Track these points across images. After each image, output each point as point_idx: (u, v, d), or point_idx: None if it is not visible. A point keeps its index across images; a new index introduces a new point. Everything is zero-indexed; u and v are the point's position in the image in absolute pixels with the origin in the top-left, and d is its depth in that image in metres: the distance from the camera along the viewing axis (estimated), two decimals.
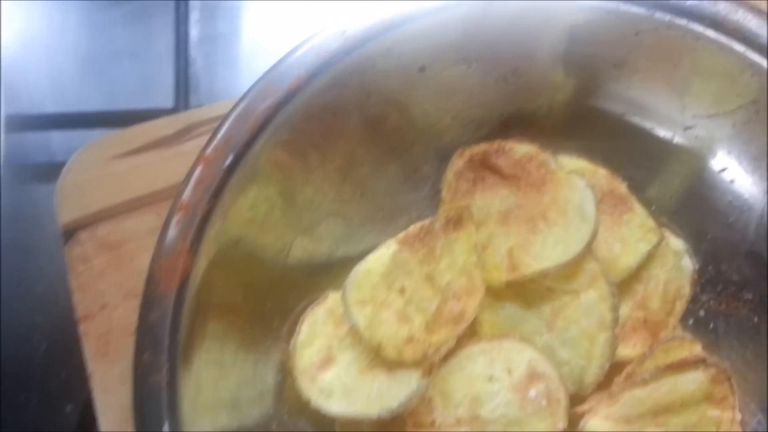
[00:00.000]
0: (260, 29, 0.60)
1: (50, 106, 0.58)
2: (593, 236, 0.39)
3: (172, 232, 0.36)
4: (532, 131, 0.44)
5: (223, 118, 0.37)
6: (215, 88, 0.59)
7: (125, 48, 0.60)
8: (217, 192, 0.36)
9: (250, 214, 0.39)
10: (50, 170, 0.60)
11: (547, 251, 0.40)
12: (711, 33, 0.36)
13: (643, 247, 0.40)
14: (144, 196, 0.47)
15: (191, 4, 0.55)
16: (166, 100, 0.56)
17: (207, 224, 0.36)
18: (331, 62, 0.37)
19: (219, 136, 0.36)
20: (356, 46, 0.37)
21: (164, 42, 0.60)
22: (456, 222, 0.42)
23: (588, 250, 0.40)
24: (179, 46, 0.53)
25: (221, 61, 0.60)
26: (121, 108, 0.57)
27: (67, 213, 0.47)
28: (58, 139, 0.57)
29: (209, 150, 0.36)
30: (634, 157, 0.43)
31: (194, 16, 0.56)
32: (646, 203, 0.43)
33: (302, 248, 0.43)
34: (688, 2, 0.36)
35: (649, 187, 0.43)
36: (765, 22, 0.35)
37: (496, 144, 0.43)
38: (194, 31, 0.56)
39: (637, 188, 0.43)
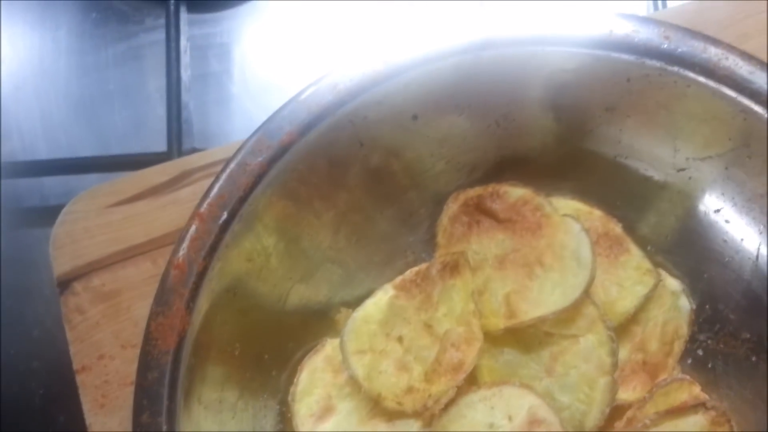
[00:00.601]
0: (251, 67, 0.60)
1: (43, 151, 0.57)
2: (590, 282, 0.39)
3: (168, 290, 0.36)
4: (526, 173, 0.44)
5: (217, 175, 0.37)
6: (208, 128, 0.59)
7: (117, 90, 0.60)
8: (212, 249, 0.36)
9: (247, 266, 0.39)
10: (44, 214, 0.60)
11: (545, 297, 0.40)
12: (702, 79, 0.36)
13: (641, 291, 0.40)
14: (139, 245, 0.47)
15: (182, 44, 0.55)
16: (159, 143, 0.56)
17: (203, 281, 0.36)
18: (323, 116, 0.37)
19: (213, 192, 0.36)
20: (348, 99, 0.37)
21: (156, 83, 0.60)
22: (453, 268, 0.42)
23: (586, 295, 0.40)
24: (171, 88, 0.53)
25: (213, 100, 0.60)
26: (113, 152, 0.57)
27: (61, 264, 0.47)
28: (51, 184, 0.57)
29: (203, 207, 0.36)
30: (629, 198, 0.43)
31: (185, 56, 0.56)
32: (642, 243, 0.43)
33: (299, 296, 0.42)
34: (679, 50, 0.36)
35: (645, 227, 0.43)
36: (756, 67, 0.35)
37: (490, 188, 0.43)
38: (185, 71, 0.56)
39: (632, 228, 0.43)
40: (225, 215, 0.36)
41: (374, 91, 0.37)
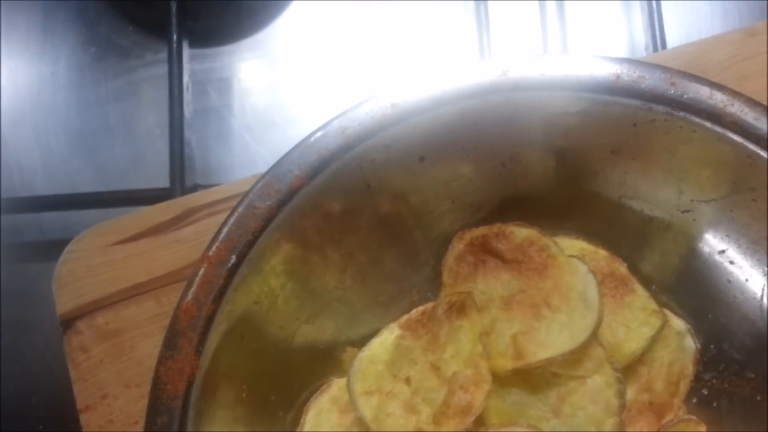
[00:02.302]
0: (252, 102, 0.61)
1: (43, 187, 0.57)
2: (598, 324, 0.39)
3: (177, 334, 0.35)
4: (532, 212, 0.44)
5: (226, 218, 0.37)
6: (209, 163, 0.59)
7: (117, 125, 0.60)
8: (221, 292, 0.36)
9: (254, 308, 0.39)
10: (44, 250, 0.59)
11: (552, 339, 0.40)
12: (708, 125, 0.37)
13: (647, 332, 0.40)
14: (142, 283, 0.47)
15: (185, 81, 0.55)
16: (160, 178, 0.55)
17: (212, 324, 0.36)
18: (332, 160, 0.37)
19: (221, 236, 0.36)
20: (356, 143, 0.37)
21: (156, 118, 0.60)
22: (459, 308, 0.42)
23: (593, 336, 0.40)
24: (174, 125, 0.53)
25: (214, 135, 0.60)
26: (113, 188, 0.57)
27: (64, 303, 0.46)
28: (51, 219, 0.56)
29: (212, 250, 0.36)
30: (633, 238, 0.43)
31: (187, 93, 0.56)
32: (647, 282, 0.44)
33: (305, 336, 0.42)
34: (685, 96, 0.36)
35: (649, 266, 0.43)
36: (761, 114, 0.36)
37: (496, 228, 0.43)
38: (187, 107, 0.56)
39: (637, 268, 0.44)
40: (234, 259, 0.36)
41: (382, 135, 0.38)
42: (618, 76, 0.37)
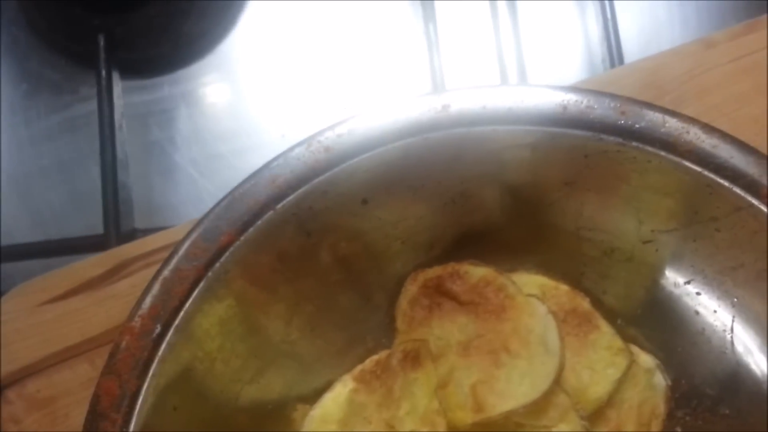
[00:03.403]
0: (195, 134, 0.57)
1: None
2: (560, 371, 0.37)
3: (98, 416, 0.32)
4: (488, 248, 0.41)
5: (148, 284, 0.33)
6: (151, 200, 0.55)
7: (52, 165, 0.56)
8: (146, 366, 0.33)
9: (188, 377, 0.35)
10: None
11: (513, 388, 0.37)
12: (663, 153, 0.34)
13: (613, 374, 0.38)
14: (75, 345, 0.43)
15: (117, 118, 0.52)
16: (98, 222, 0.52)
17: (137, 402, 0.33)
18: (263, 212, 0.34)
19: (144, 304, 0.33)
20: (289, 192, 0.34)
21: (93, 155, 0.56)
22: (414, 358, 0.39)
23: (556, 383, 0.37)
24: (105, 168, 0.50)
25: (156, 170, 0.56)
26: (49, 232, 0.53)
27: None
28: None
29: (134, 320, 0.33)
30: (595, 270, 0.41)
31: (120, 132, 0.53)
32: (612, 316, 0.41)
33: (250, 397, 0.39)
34: (637, 125, 0.34)
35: (613, 299, 0.41)
36: (719, 140, 0.34)
37: (450, 267, 0.41)
38: (122, 147, 0.53)
39: (601, 301, 0.41)
40: (158, 328, 0.33)
41: (318, 181, 0.35)
42: (565, 107, 0.34)
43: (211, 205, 0.57)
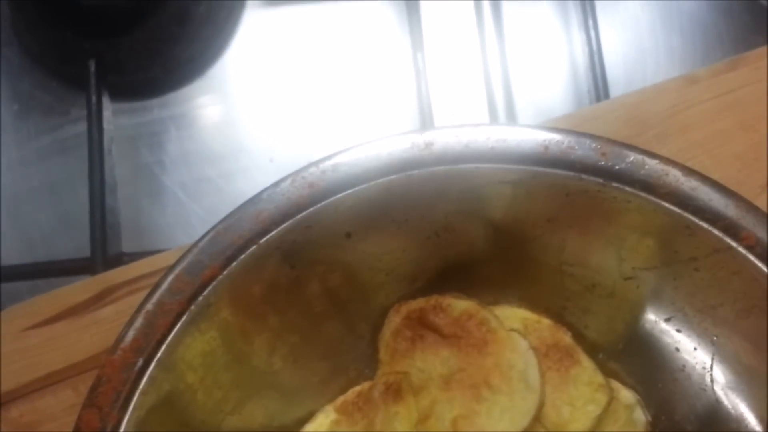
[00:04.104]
0: (185, 158, 0.57)
1: None
2: (540, 407, 0.37)
3: None
4: (471, 281, 0.41)
5: (132, 317, 0.33)
6: (139, 224, 0.56)
7: (42, 187, 0.57)
8: (127, 399, 0.33)
9: (168, 407, 0.35)
10: None
11: (493, 423, 0.37)
12: (643, 194, 0.34)
13: (593, 411, 0.38)
14: (59, 371, 0.43)
15: (106, 143, 0.52)
16: (84, 244, 0.52)
17: None
18: (246, 247, 0.34)
19: (127, 338, 0.33)
20: (273, 227, 0.35)
21: (82, 177, 0.56)
22: (395, 392, 0.39)
23: (536, 419, 0.37)
24: (93, 193, 0.50)
25: (144, 193, 0.57)
26: (38, 254, 0.54)
27: None
28: None
29: (116, 353, 0.33)
30: (577, 305, 0.41)
31: (109, 156, 0.53)
32: (593, 350, 0.41)
33: (232, 428, 0.39)
34: (617, 166, 0.34)
35: (595, 333, 0.41)
36: (698, 182, 0.34)
37: (433, 300, 0.41)
38: (110, 171, 0.53)
39: (583, 335, 0.41)
40: (140, 361, 0.33)
41: (301, 216, 0.35)
42: (546, 147, 0.34)
43: (199, 228, 0.58)
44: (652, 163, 0.34)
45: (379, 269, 0.40)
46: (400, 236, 0.39)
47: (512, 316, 0.41)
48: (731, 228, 0.34)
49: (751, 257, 0.34)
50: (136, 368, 0.33)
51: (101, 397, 0.33)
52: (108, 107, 0.56)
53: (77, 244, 0.55)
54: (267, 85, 0.59)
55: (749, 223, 0.34)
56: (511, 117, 0.55)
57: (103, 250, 0.49)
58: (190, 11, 0.59)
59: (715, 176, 0.36)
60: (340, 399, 0.41)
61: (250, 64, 0.60)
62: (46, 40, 0.59)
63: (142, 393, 0.33)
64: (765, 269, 0.34)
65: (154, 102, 0.59)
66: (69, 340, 0.44)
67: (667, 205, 0.34)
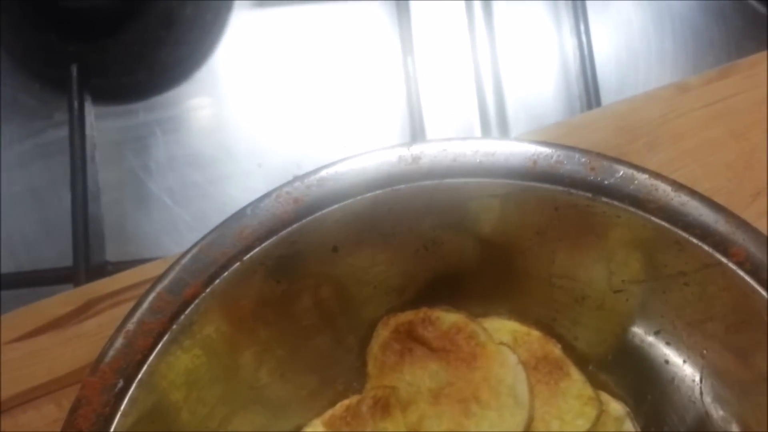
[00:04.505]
0: (170, 162, 0.57)
1: None
2: (529, 422, 0.36)
3: None
4: (460, 293, 0.41)
5: (111, 337, 0.33)
6: (124, 230, 0.55)
7: (24, 192, 0.56)
8: (107, 421, 0.32)
9: (151, 428, 0.35)
10: None
11: None
12: (632, 209, 0.34)
13: (582, 425, 0.38)
14: (41, 385, 0.43)
15: (88, 149, 0.51)
16: (68, 252, 0.51)
17: None
18: (229, 264, 0.34)
19: (106, 358, 0.32)
20: (256, 243, 0.34)
21: (65, 183, 0.55)
22: (384, 407, 0.39)
23: None
24: (76, 202, 0.49)
25: (129, 198, 0.56)
26: (20, 261, 0.53)
27: None
28: None
29: (96, 374, 0.32)
30: (567, 317, 0.41)
31: (92, 163, 0.52)
32: (583, 361, 0.41)
33: None
34: (606, 181, 0.34)
35: (584, 345, 0.41)
36: (688, 197, 0.33)
37: (422, 313, 0.40)
38: (93, 178, 0.52)
39: (572, 347, 0.41)
40: (121, 382, 0.32)
41: (286, 232, 0.34)
42: (535, 162, 0.34)
43: (186, 235, 0.58)
44: (642, 178, 0.34)
45: (367, 282, 0.40)
46: (388, 250, 0.38)
47: (502, 328, 0.41)
48: (721, 244, 0.34)
49: (741, 273, 0.34)
50: (117, 389, 0.32)
51: (81, 420, 0.32)
52: (91, 111, 0.55)
53: (60, 252, 0.54)
54: (255, 88, 0.58)
55: (739, 238, 0.33)
56: (503, 123, 0.54)
57: (86, 258, 0.48)
58: (176, 13, 0.58)
59: (706, 185, 0.35)
60: (328, 413, 0.41)
61: (238, 67, 0.59)
62: (30, 42, 0.58)
63: (123, 414, 0.33)
64: (755, 285, 0.33)
65: (140, 106, 0.58)
66: (51, 353, 0.43)
67: (656, 220, 0.34)
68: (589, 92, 0.51)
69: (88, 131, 0.52)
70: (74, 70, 0.52)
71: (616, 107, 0.46)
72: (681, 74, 0.52)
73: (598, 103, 0.50)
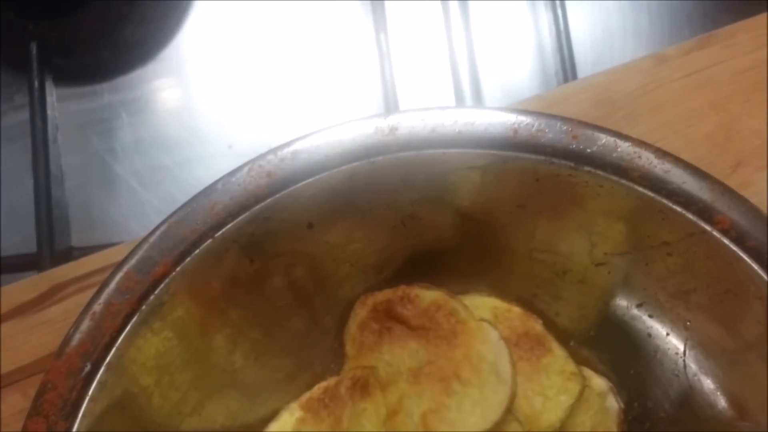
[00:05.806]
0: (137, 145, 0.55)
1: None
2: (512, 400, 0.36)
3: None
4: (439, 269, 0.40)
5: (77, 318, 0.31)
6: (90, 215, 0.53)
7: None
8: (75, 406, 0.31)
9: (121, 413, 0.33)
10: None
11: (464, 417, 0.36)
12: (615, 178, 0.33)
13: (566, 401, 0.37)
14: (6, 374, 0.41)
15: (50, 131, 0.49)
16: (32, 239, 0.50)
17: None
18: (200, 242, 0.32)
19: (72, 341, 0.31)
20: (228, 219, 0.32)
21: (29, 168, 0.53)
22: (363, 387, 0.37)
23: (508, 411, 0.36)
24: (38, 185, 0.47)
25: (95, 182, 0.54)
26: None
27: None
28: None
29: (62, 358, 0.31)
30: (548, 292, 0.40)
31: (54, 145, 0.50)
32: (565, 337, 0.40)
33: (192, 430, 0.37)
34: (588, 150, 0.33)
35: (566, 320, 0.40)
36: (672, 165, 0.33)
37: (400, 291, 0.39)
38: (56, 161, 0.50)
39: (554, 323, 0.40)
40: (88, 366, 0.31)
41: (259, 207, 0.33)
42: (516, 131, 0.33)
43: (154, 219, 0.56)
44: (624, 146, 0.33)
45: (344, 260, 0.39)
46: (365, 226, 0.37)
47: (482, 305, 0.40)
48: (705, 211, 0.33)
49: (725, 241, 0.33)
50: (84, 374, 0.31)
51: (47, 405, 0.30)
52: (53, 92, 0.53)
53: (23, 238, 0.52)
54: (224, 67, 0.56)
55: (724, 206, 0.33)
56: (478, 99, 0.53)
57: (51, 244, 0.46)
58: None
59: (686, 157, 0.35)
60: (306, 396, 0.40)
61: (206, 46, 0.57)
62: None
63: (92, 399, 0.31)
64: (739, 253, 0.33)
65: (104, 86, 0.56)
66: (15, 341, 0.41)
67: (639, 188, 0.33)
68: (566, 68, 0.50)
69: (49, 112, 0.50)
70: (34, 48, 0.49)
71: (595, 79, 0.45)
72: (657, 49, 0.51)
73: (575, 79, 0.50)
